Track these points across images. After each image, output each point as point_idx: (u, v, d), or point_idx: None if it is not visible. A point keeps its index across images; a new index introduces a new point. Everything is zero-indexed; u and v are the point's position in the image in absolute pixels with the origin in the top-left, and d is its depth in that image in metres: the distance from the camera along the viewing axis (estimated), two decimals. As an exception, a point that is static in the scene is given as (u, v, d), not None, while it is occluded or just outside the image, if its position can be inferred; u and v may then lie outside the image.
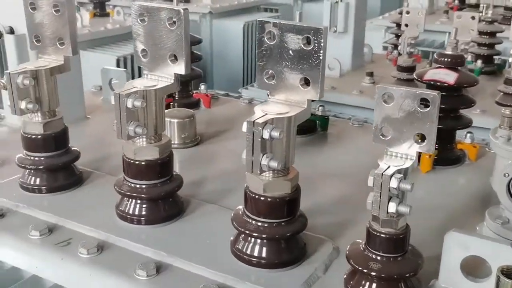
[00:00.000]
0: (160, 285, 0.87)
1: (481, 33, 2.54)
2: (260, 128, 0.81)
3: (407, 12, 2.25)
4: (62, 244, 0.97)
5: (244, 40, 4.10)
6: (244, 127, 0.83)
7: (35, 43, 1.13)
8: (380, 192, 0.77)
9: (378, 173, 0.76)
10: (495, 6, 3.31)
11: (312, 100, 0.87)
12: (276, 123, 0.83)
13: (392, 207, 0.77)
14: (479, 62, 2.49)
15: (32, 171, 1.14)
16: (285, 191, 0.88)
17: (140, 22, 0.98)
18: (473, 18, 2.33)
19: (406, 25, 2.24)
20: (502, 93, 2.15)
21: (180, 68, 0.98)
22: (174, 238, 0.99)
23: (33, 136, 1.11)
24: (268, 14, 4.48)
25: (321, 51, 0.83)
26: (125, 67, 3.01)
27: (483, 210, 1.05)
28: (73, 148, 1.17)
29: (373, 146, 1.45)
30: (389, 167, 0.77)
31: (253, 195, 0.89)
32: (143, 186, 1.01)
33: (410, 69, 2.28)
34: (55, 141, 1.13)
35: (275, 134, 0.81)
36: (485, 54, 2.54)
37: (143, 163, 1.00)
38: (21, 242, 0.99)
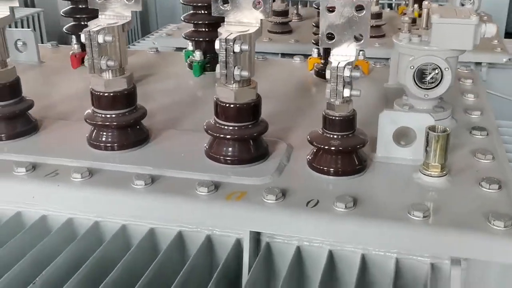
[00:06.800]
0: (159, 191, 1.01)
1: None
2: (232, 43, 0.97)
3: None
4: (51, 175, 1.06)
5: None
6: (217, 45, 0.98)
7: (-24, -3, 1.16)
8: (337, 81, 0.97)
9: (334, 66, 0.97)
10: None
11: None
12: (243, 38, 0.99)
13: (346, 92, 0.98)
14: None
15: (-11, 120, 1.18)
16: (252, 98, 1.06)
17: (93, -34, 1.07)
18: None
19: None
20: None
21: (136, 5, 1.09)
22: (150, 157, 1.12)
23: (-11, 86, 1.16)
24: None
25: (268, -25, 1.01)
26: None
27: (387, 106, 1.31)
28: (26, 98, 1.23)
29: (281, 76, 1.67)
30: (339, 62, 0.98)
31: (224, 104, 1.05)
32: (113, 116, 1.12)
33: (284, 13, 2.53)
34: (10, 89, 1.18)
35: (245, 47, 0.98)
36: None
37: (111, 94, 1.11)
38: (8, 180, 1.05)
